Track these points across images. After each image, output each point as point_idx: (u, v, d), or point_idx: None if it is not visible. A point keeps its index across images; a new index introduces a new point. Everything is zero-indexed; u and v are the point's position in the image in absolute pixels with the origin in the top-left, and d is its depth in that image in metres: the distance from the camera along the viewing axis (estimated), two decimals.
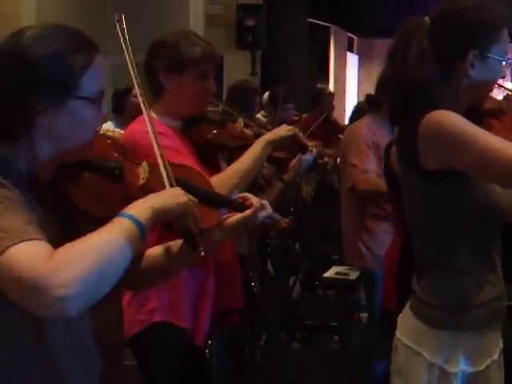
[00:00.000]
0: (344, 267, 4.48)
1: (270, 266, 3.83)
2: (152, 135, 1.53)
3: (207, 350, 2.07)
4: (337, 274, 4.49)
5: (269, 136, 2.14)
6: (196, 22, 8.00)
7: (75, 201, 1.31)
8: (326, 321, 3.61)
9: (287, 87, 4.81)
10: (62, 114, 1.28)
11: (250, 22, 7.63)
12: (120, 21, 1.72)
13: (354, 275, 4.34)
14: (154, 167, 1.46)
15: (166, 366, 2.00)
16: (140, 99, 1.65)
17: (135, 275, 1.42)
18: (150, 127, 1.55)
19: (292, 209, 4.83)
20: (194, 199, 1.36)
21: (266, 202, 1.54)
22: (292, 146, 2.30)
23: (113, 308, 1.91)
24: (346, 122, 8.71)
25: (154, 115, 2.09)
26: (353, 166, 3.20)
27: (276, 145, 2.15)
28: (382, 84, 2.05)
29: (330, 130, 6.10)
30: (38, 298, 1.06)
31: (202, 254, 1.37)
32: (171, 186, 1.40)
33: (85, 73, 1.29)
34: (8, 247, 1.09)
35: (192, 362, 2.05)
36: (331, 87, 10.33)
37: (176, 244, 1.48)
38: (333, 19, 10.80)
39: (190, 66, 2.05)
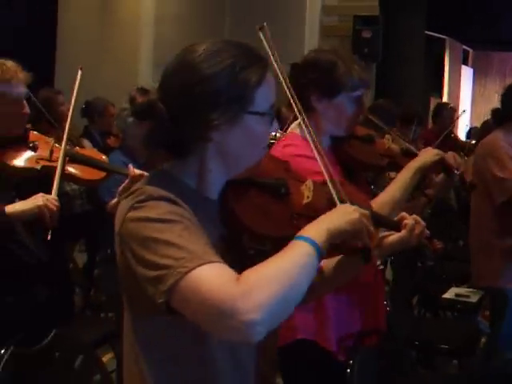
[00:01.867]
0: (464, 289, 4.33)
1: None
2: (316, 152, 1.52)
3: (348, 370, 2.03)
4: (457, 295, 4.34)
5: (418, 163, 2.10)
6: (311, 33, 8.03)
7: (241, 217, 1.29)
8: (447, 343, 3.49)
9: (401, 100, 4.71)
10: (235, 130, 1.27)
11: (366, 34, 7.57)
12: (263, 29, 1.72)
13: (475, 297, 4.18)
14: (318, 185, 1.43)
15: (308, 382, 1.98)
16: (297, 112, 1.64)
17: None
18: (313, 143, 1.53)
19: None
20: (366, 212, 1.32)
21: (422, 222, 1.49)
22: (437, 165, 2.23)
23: None
24: (461, 137, 8.48)
25: (297, 131, 2.07)
26: (501, 181, 3.11)
27: (425, 171, 2.12)
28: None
29: (450, 147, 5.88)
30: (224, 321, 1.06)
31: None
32: (341, 202, 1.37)
33: (259, 88, 1.28)
34: (192, 268, 1.09)
35: (333, 380, 2.02)
36: (445, 101, 10.07)
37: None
38: (448, 31, 10.54)
39: (345, 92, 2.02)
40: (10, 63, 2.27)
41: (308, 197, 1.40)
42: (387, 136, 2.23)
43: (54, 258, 2.29)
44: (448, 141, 5.84)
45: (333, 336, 1.99)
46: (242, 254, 1.30)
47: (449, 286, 4.50)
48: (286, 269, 1.12)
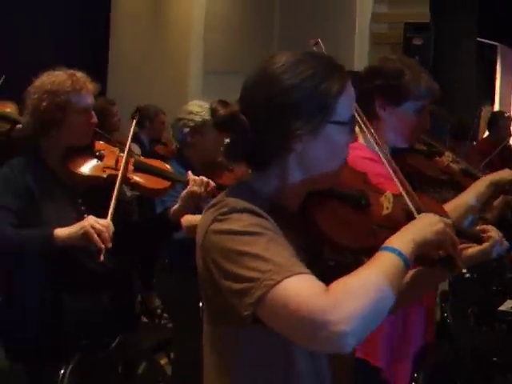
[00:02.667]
0: None
1: None
2: (386, 162, 1.51)
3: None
4: None
5: (494, 177, 2.09)
6: (361, 41, 7.98)
7: (323, 229, 1.29)
8: (501, 356, 3.42)
9: (452, 107, 4.61)
10: (317, 140, 1.27)
11: (417, 41, 7.48)
12: (318, 44, 1.72)
13: None
14: (397, 196, 1.43)
15: None
16: (362, 124, 1.63)
17: None
18: (383, 155, 1.52)
19: None
20: (449, 222, 1.31)
21: (502, 236, 1.46)
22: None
23: None
24: None
25: (360, 139, 2.06)
26: None
27: (499, 187, 2.09)
28: None
29: (506, 159, 5.72)
30: (315, 333, 1.06)
31: None
32: (419, 213, 1.36)
33: (340, 97, 1.28)
34: (280, 281, 1.09)
35: None
36: (496, 109, 9.89)
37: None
38: (500, 38, 10.36)
39: (411, 100, 2.00)
40: (79, 74, 2.32)
41: (387, 208, 1.40)
42: (447, 153, 2.21)
43: (119, 265, 2.31)
44: (505, 151, 5.68)
45: (384, 355, 1.97)
46: (322, 265, 1.31)
47: (504, 299, 4.42)
48: (374, 280, 1.12)
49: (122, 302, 2.35)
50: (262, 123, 1.25)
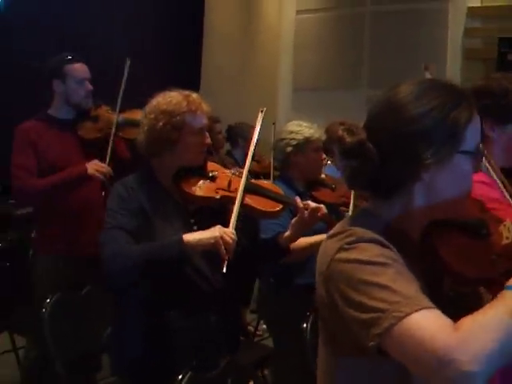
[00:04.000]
0: None
1: None
2: (503, 188, 1.49)
3: None
4: None
5: None
6: (453, 56, 7.84)
7: (444, 258, 1.27)
8: None
9: None
10: (444, 169, 1.26)
11: None
12: (428, 69, 1.71)
13: None
14: None
15: None
16: None
17: None
18: (499, 180, 1.51)
19: None
20: None
21: None
22: None
23: None
24: None
25: None
26: None
27: None
28: None
29: None
30: (441, 370, 1.04)
31: None
32: None
33: (468, 125, 1.27)
34: (409, 313, 1.08)
35: None
36: None
37: None
38: None
39: None
40: (194, 95, 2.36)
41: (507, 238, 1.37)
42: None
43: (227, 285, 2.32)
44: None
45: None
46: (441, 295, 1.29)
47: None
48: (502, 319, 1.09)
49: (229, 321, 2.36)
50: (390, 151, 1.26)
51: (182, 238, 2.13)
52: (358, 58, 8.44)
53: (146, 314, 2.26)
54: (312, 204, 2.35)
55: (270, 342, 3.99)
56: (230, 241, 2.10)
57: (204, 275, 2.27)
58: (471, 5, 7.77)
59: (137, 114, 3.20)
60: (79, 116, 3.34)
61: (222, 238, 2.10)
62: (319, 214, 2.33)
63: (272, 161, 5.44)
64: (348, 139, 1.31)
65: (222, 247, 2.09)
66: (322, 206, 2.36)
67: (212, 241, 2.10)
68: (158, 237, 2.20)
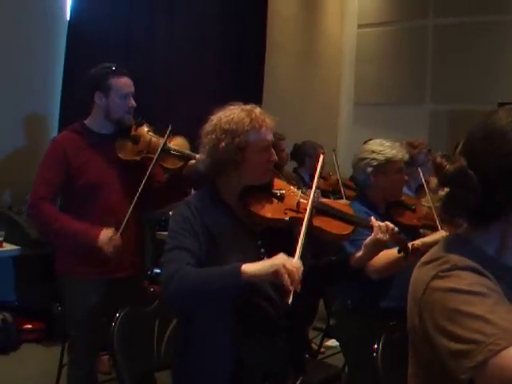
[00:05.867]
0: None
1: None
2: None
3: None
4: None
5: None
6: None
7: None
8: None
9: None
10: None
11: None
12: None
13: None
14: None
15: None
16: None
17: None
18: None
19: None
20: None
21: None
22: None
23: None
24: None
25: None
26: None
27: None
28: None
29: None
30: None
31: None
32: None
33: None
34: (505, 347, 1.04)
35: None
36: None
37: None
38: None
39: None
40: (257, 110, 2.23)
41: None
42: None
43: (294, 308, 2.14)
44: None
45: None
46: None
47: None
48: None
49: (296, 341, 2.29)
50: (493, 180, 1.22)
51: (239, 268, 1.98)
52: (420, 72, 8.32)
53: (218, 342, 2.15)
54: (388, 224, 2.26)
55: (332, 360, 3.95)
56: (294, 270, 1.91)
57: (273, 302, 2.19)
58: None
59: (183, 145, 3.13)
60: (118, 132, 3.15)
61: (284, 267, 1.92)
62: (394, 235, 2.24)
63: (339, 179, 5.41)
64: (448, 167, 1.29)
65: (286, 278, 1.90)
66: (394, 227, 2.27)
67: (272, 270, 1.94)
68: (223, 259, 2.09)
